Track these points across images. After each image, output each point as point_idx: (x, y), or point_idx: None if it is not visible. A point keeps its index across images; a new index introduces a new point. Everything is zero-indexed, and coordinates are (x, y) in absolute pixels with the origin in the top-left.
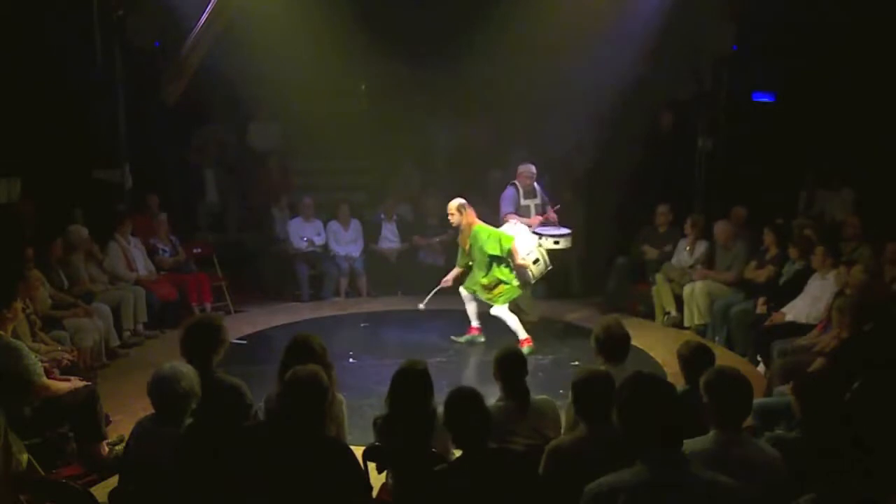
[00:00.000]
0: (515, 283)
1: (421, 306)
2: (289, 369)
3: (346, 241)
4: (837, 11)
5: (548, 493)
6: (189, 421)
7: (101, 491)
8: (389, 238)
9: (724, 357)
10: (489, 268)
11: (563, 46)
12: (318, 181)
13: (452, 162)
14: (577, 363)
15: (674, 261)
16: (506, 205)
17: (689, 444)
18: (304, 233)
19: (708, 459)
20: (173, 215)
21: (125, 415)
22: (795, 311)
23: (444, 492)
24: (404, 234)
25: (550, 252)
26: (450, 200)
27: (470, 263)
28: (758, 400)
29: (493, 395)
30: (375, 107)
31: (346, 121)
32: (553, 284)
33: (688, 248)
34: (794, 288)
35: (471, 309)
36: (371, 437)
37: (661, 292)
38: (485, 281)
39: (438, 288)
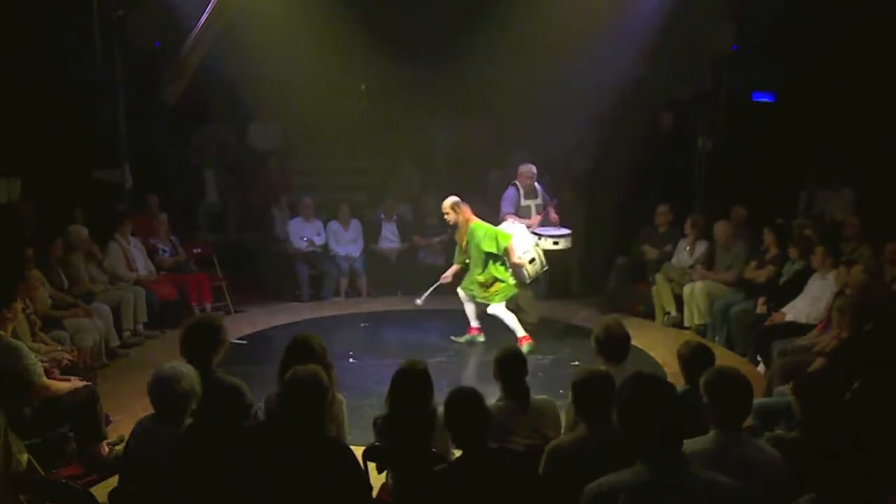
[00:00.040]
0: (511, 281)
1: (419, 301)
2: (289, 369)
3: (346, 241)
4: (837, 11)
5: (548, 493)
6: (189, 421)
7: (101, 491)
8: (389, 238)
9: (724, 357)
10: (485, 265)
11: (563, 46)
12: (318, 181)
13: (452, 162)
14: (577, 363)
15: (674, 261)
16: (506, 205)
17: (689, 444)
18: (304, 233)
19: (708, 459)
20: (173, 215)
21: (125, 415)
22: (795, 311)
23: (444, 492)
24: (404, 234)
25: (550, 252)
26: None
27: (467, 261)
28: (758, 400)
29: (493, 395)
30: (375, 107)
31: (346, 121)
32: (553, 284)
33: (688, 248)
34: (794, 288)
35: (469, 309)
36: (371, 437)
37: (661, 292)
38: (481, 278)
39: (437, 284)
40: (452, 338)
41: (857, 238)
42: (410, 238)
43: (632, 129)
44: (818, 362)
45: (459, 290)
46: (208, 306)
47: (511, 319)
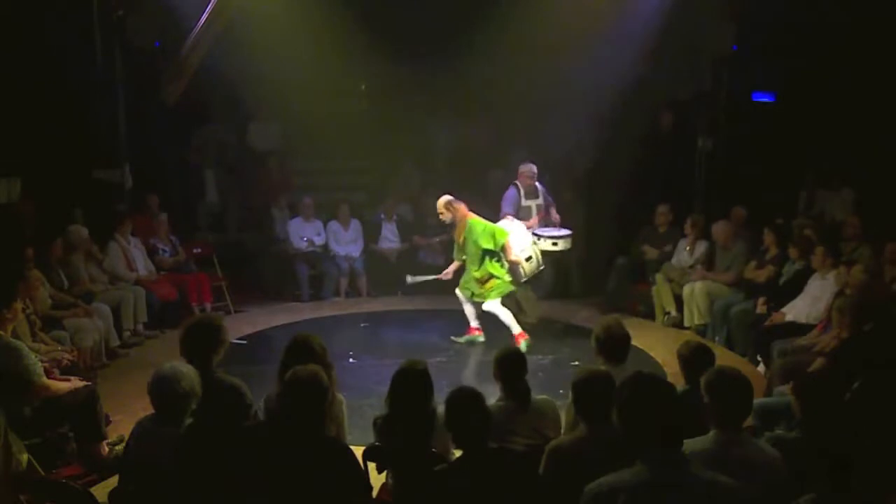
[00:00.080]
0: (507, 277)
1: (409, 278)
2: (289, 369)
3: (346, 241)
4: (837, 11)
5: (548, 493)
6: (189, 421)
7: (101, 491)
8: (389, 238)
9: (724, 357)
10: (482, 262)
11: (563, 46)
12: (318, 181)
13: (452, 162)
14: (577, 363)
15: (674, 261)
16: (506, 205)
17: (689, 444)
18: (304, 233)
19: (708, 459)
20: (173, 215)
21: (125, 415)
22: (795, 311)
23: (444, 492)
24: (404, 234)
25: (549, 253)
26: None
27: (464, 258)
28: (758, 400)
29: (493, 395)
30: (375, 107)
31: (346, 121)
32: (553, 284)
33: (688, 248)
34: (794, 288)
35: (468, 309)
36: (371, 437)
37: (661, 292)
38: (477, 275)
39: (436, 277)
40: (452, 338)
41: (857, 238)
42: (410, 238)
43: (632, 129)
44: (818, 362)
45: (457, 291)
46: (208, 306)
47: (507, 316)
